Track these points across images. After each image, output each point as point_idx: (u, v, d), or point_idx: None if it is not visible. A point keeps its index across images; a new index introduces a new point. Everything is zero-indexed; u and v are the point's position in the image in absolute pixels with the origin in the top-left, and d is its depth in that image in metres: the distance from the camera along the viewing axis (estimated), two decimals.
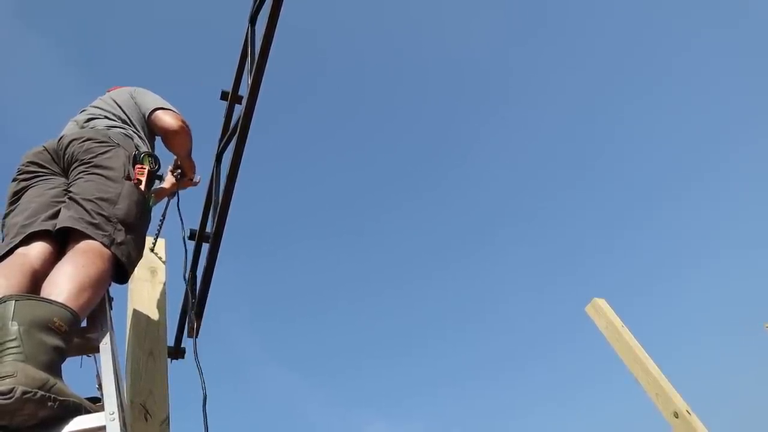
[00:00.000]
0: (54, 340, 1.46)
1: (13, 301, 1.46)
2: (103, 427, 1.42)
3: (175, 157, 2.80)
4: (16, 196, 2.09)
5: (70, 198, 1.95)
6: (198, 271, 2.96)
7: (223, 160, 3.08)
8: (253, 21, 2.95)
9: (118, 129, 2.34)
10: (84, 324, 1.74)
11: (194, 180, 2.91)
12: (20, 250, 1.81)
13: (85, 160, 2.08)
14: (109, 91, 2.70)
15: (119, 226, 1.90)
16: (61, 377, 1.45)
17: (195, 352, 2.68)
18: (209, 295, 2.87)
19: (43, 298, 1.55)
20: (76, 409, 1.42)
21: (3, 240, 1.93)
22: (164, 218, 2.89)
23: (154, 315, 2.66)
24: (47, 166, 2.17)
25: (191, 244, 3.04)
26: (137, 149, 2.23)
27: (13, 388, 1.27)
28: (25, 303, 1.48)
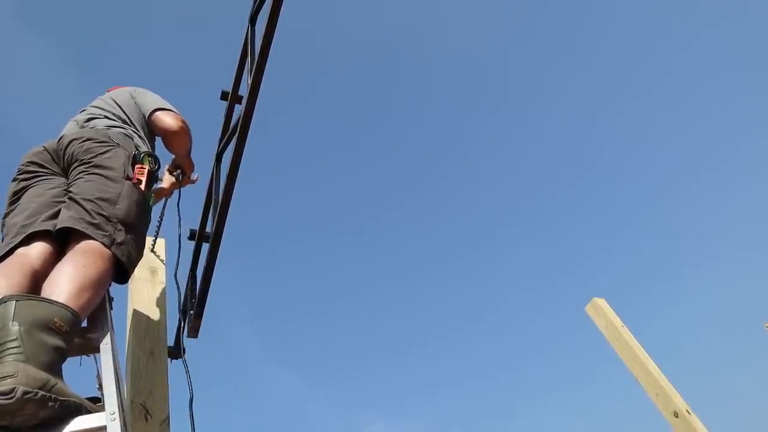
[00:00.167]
0: (54, 341, 1.46)
1: (14, 302, 1.46)
2: (104, 427, 1.43)
3: (174, 156, 2.80)
4: (16, 196, 2.09)
5: (70, 198, 1.95)
6: (198, 270, 2.96)
7: (223, 159, 3.08)
8: (253, 21, 2.94)
9: (118, 129, 2.34)
10: (84, 324, 1.74)
11: (192, 178, 2.92)
12: (20, 250, 1.81)
13: (85, 160, 2.08)
14: (108, 91, 2.70)
15: (119, 226, 1.90)
16: (62, 377, 1.46)
17: (183, 349, 2.69)
18: (209, 294, 2.87)
19: (43, 298, 1.55)
20: (76, 409, 1.42)
21: (3, 240, 1.93)
22: (162, 218, 2.89)
23: (155, 315, 2.66)
24: (47, 166, 2.17)
25: (188, 244, 3.04)
26: (137, 149, 2.23)
27: (14, 388, 1.27)
28: (26, 303, 1.48)
